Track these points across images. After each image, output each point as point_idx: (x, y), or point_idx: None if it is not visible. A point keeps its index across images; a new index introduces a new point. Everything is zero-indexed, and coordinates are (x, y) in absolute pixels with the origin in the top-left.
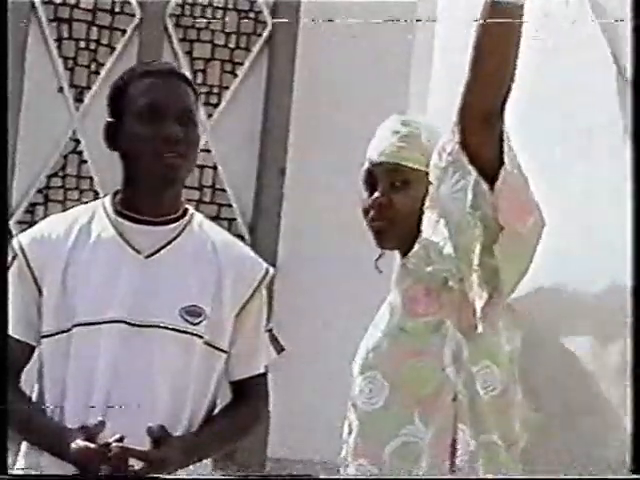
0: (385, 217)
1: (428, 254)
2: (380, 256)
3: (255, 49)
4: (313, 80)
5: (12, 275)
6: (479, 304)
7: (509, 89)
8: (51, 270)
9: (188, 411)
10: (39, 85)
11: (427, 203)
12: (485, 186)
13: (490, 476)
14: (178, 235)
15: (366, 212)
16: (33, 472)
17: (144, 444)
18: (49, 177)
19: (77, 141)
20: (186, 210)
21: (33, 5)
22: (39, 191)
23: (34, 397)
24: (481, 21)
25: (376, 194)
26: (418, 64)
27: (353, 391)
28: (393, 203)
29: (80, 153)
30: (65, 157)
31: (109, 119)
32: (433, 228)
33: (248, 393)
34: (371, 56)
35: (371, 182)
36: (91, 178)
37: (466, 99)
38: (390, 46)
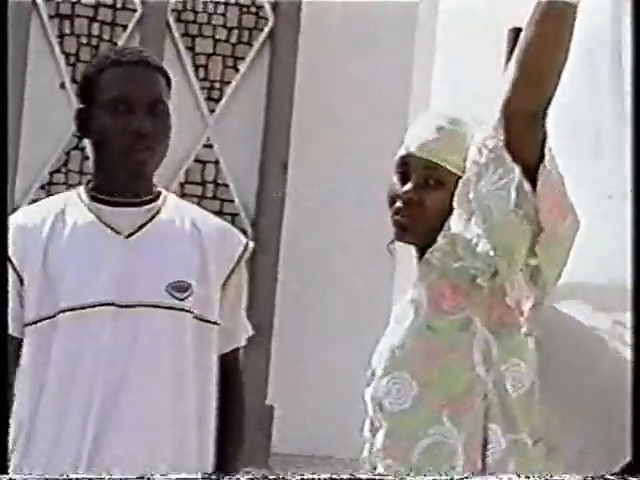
0: (412, 214)
1: (455, 249)
2: (393, 241)
3: (257, 44)
4: (315, 74)
5: None
6: (526, 305)
7: (555, 89)
8: (30, 257)
9: (193, 387)
10: (41, 81)
11: (456, 199)
12: (527, 186)
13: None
14: (156, 214)
15: (392, 201)
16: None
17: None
18: (51, 173)
19: (79, 137)
20: (159, 192)
21: (35, 2)
22: (42, 187)
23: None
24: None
25: (408, 186)
26: (421, 60)
27: (377, 391)
28: (423, 201)
29: (82, 149)
30: (67, 153)
31: (80, 105)
32: (464, 225)
33: (230, 367)
34: (374, 51)
35: (404, 172)
36: None
37: (514, 98)
38: (393, 42)
